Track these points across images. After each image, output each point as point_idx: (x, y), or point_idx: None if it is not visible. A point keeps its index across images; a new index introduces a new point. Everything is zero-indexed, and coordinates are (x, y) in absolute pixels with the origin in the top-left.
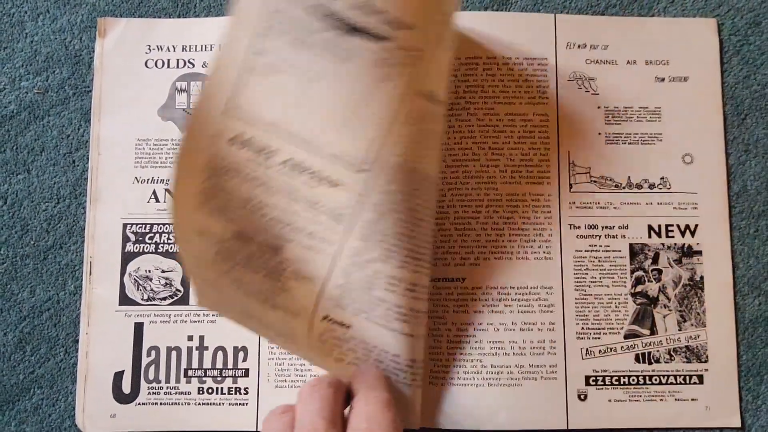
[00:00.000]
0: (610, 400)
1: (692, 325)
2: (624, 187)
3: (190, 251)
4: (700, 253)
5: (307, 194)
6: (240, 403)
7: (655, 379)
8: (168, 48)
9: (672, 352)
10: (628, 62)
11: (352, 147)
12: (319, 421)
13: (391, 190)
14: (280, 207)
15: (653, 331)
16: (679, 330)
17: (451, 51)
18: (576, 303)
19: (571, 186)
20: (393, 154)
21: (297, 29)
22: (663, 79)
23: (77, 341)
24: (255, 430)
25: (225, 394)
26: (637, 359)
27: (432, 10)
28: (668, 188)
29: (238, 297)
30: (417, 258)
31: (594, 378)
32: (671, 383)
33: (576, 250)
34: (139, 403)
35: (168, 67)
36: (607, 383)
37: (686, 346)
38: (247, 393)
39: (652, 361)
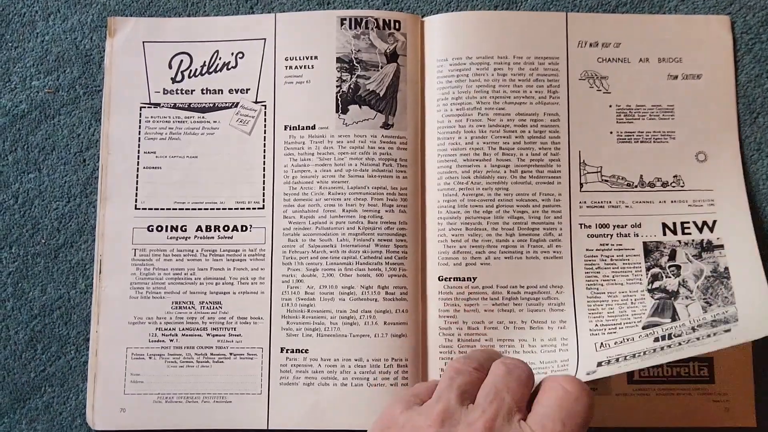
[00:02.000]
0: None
1: (719, 306)
2: (636, 186)
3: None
4: (721, 246)
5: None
6: (251, 394)
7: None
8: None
9: (695, 329)
10: (641, 60)
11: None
12: (509, 398)
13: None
14: (207, 268)
15: (674, 319)
16: (705, 313)
17: None
18: (588, 301)
19: (581, 185)
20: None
21: None
22: (676, 77)
23: (88, 339)
24: (266, 428)
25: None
26: (656, 340)
27: None
28: (682, 186)
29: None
30: (353, 263)
31: (607, 361)
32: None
33: (587, 249)
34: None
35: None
36: (620, 361)
37: (712, 321)
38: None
39: (673, 336)
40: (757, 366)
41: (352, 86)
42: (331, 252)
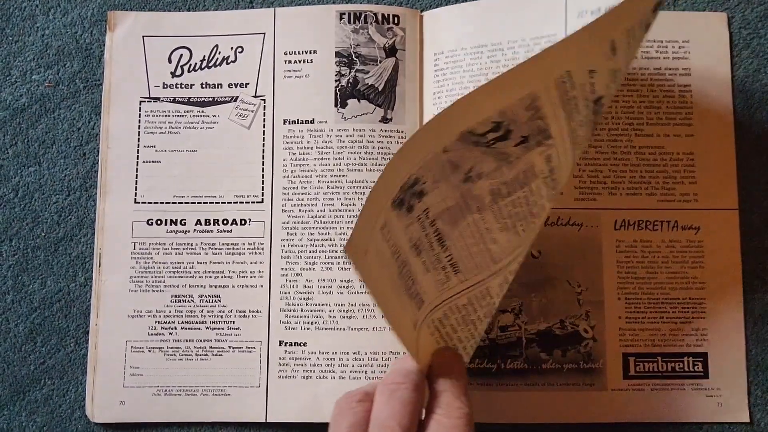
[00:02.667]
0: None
1: None
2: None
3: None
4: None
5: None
6: (249, 389)
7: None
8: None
9: None
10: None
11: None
12: (397, 427)
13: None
14: (206, 261)
15: None
16: None
17: None
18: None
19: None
20: None
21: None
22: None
23: (87, 332)
24: (264, 421)
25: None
26: None
27: None
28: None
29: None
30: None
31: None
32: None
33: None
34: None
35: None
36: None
37: None
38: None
39: None
40: (750, 361)
41: (350, 80)
42: (329, 246)
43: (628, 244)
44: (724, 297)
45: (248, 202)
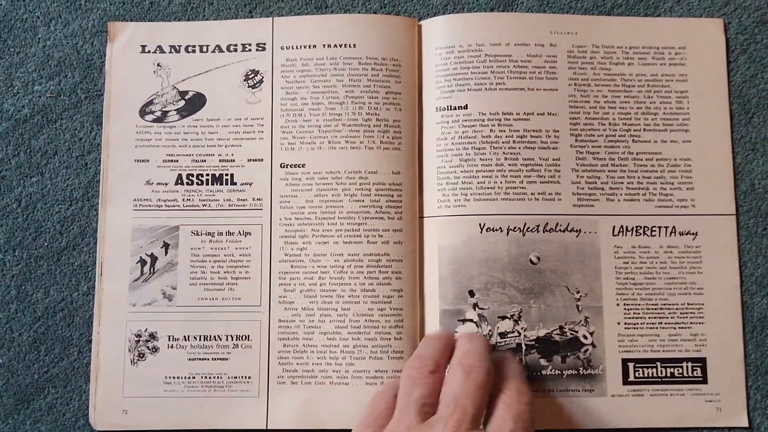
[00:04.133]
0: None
1: None
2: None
3: None
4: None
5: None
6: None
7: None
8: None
9: None
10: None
11: None
12: (470, 407)
13: None
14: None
15: None
16: None
17: None
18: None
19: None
20: None
21: None
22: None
23: (90, 341)
24: (265, 428)
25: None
26: None
27: None
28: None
29: None
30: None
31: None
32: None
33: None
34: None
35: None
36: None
37: None
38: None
39: None
40: (748, 366)
41: None
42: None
43: (627, 250)
44: (723, 302)
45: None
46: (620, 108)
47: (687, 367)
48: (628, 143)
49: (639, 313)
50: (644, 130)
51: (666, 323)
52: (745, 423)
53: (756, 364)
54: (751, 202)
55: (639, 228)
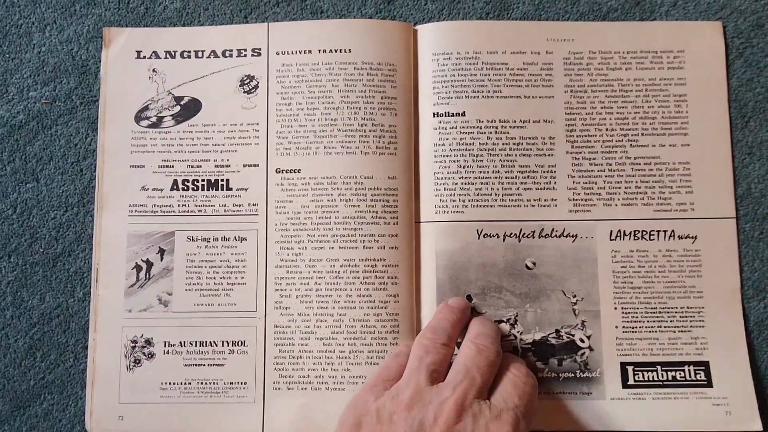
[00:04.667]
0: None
1: None
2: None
3: None
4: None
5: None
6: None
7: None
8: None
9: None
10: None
11: None
12: (479, 379)
13: None
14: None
15: None
16: None
17: None
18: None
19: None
20: None
21: None
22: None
23: (86, 347)
24: None
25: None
26: None
27: None
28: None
29: None
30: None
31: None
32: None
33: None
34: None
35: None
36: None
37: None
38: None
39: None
40: (756, 369)
41: None
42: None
43: (624, 254)
44: (723, 305)
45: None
46: (617, 113)
47: (689, 370)
48: (626, 148)
49: (637, 317)
50: (642, 134)
51: (665, 327)
52: (759, 427)
53: (764, 367)
54: (747, 206)
55: (637, 232)
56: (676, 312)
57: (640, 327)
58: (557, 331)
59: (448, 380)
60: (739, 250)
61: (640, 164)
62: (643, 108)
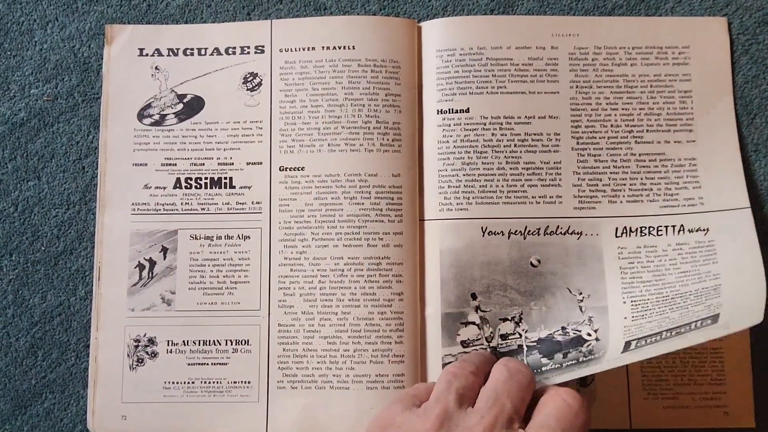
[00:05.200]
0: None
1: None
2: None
3: None
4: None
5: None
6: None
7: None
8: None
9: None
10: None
11: None
12: (509, 405)
13: None
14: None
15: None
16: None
17: None
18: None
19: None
20: None
21: None
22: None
23: (88, 346)
24: None
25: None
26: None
27: None
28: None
29: None
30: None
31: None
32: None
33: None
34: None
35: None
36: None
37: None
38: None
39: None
40: (755, 367)
41: None
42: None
43: (631, 250)
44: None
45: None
46: (623, 109)
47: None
48: (631, 144)
49: (648, 306)
50: (647, 131)
51: (677, 306)
52: (751, 424)
53: (762, 365)
54: (755, 203)
55: (644, 228)
56: (690, 294)
57: (650, 313)
58: (563, 328)
59: (477, 406)
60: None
61: (645, 161)
62: (648, 104)
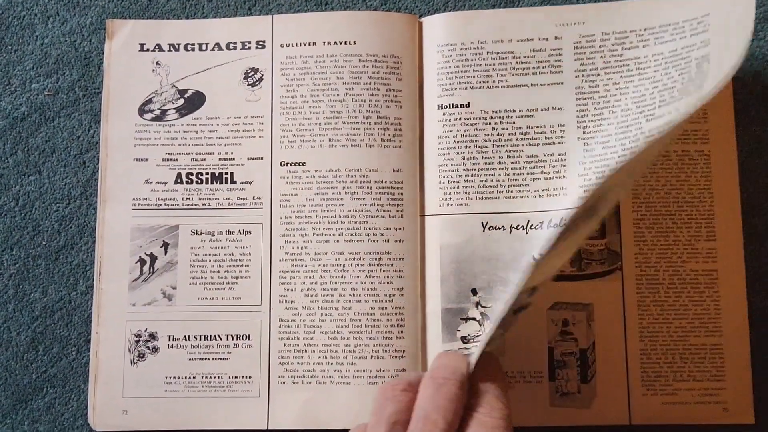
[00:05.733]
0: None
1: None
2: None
3: None
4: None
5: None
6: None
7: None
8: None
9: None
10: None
11: None
12: (441, 421)
13: None
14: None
15: None
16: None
17: None
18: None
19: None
20: None
21: None
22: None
23: (89, 341)
24: (266, 428)
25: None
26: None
27: None
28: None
29: None
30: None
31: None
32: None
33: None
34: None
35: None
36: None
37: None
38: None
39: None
40: (754, 363)
41: None
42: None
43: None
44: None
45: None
46: (633, 92)
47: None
48: (641, 124)
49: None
50: (659, 106)
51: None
52: (751, 420)
53: (762, 361)
54: (755, 199)
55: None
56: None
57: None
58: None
59: (410, 429)
60: (745, 244)
61: (654, 136)
62: (662, 81)
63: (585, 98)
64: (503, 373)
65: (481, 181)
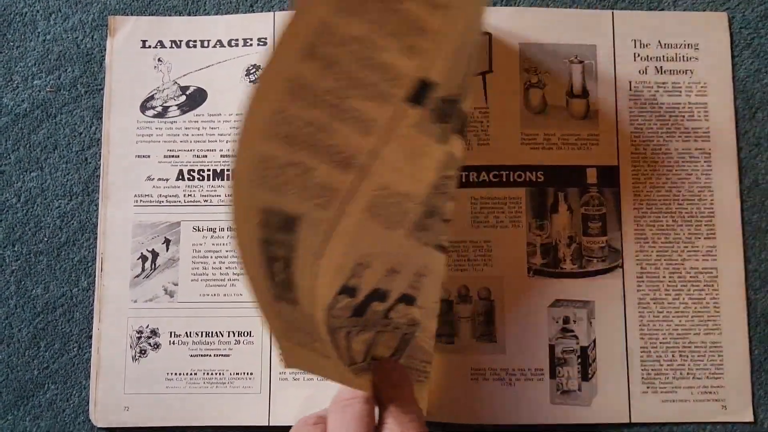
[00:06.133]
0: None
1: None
2: None
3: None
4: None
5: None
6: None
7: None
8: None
9: None
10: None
11: None
12: None
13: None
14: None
15: None
16: None
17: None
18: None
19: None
20: None
21: None
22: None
23: (91, 337)
24: (267, 424)
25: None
26: None
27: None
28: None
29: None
30: None
31: None
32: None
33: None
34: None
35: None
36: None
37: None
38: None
39: None
40: (753, 361)
41: None
42: None
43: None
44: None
45: None
46: None
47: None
48: None
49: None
50: None
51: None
52: (750, 418)
53: (760, 360)
54: (755, 198)
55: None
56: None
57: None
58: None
59: None
60: (745, 242)
61: None
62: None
63: None
64: (403, 373)
65: None
